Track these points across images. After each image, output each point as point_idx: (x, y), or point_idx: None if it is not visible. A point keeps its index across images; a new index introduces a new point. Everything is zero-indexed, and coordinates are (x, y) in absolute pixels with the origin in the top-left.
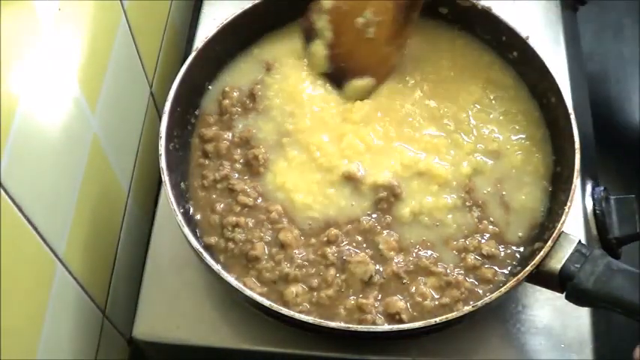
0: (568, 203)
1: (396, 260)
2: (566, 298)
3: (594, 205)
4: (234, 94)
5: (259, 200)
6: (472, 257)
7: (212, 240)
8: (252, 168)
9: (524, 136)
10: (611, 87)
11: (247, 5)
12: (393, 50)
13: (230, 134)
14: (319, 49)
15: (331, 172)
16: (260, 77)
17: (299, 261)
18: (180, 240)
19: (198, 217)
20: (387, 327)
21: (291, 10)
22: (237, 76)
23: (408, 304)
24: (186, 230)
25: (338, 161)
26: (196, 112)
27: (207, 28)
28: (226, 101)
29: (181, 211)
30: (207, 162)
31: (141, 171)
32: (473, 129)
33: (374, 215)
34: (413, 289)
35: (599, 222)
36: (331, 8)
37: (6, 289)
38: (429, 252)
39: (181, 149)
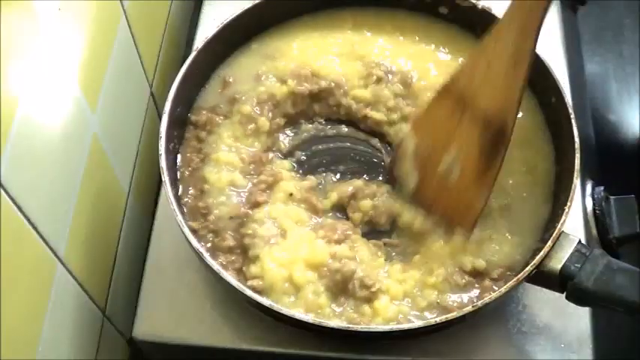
0: (568, 203)
1: None
2: (567, 298)
3: (594, 205)
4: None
5: None
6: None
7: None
8: None
9: None
10: (611, 87)
11: (247, 5)
12: (478, 193)
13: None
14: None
15: None
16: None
17: None
18: (181, 240)
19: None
20: (387, 327)
21: (292, 10)
22: (238, 75)
23: None
24: (186, 230)
25: None
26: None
27: (207, 28)
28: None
29: (181, 210)
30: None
31: (141, 171)
32: None
33: None
34: None
35: (599, 222)
36: (415, 150)
37: (6, 289)
38: None
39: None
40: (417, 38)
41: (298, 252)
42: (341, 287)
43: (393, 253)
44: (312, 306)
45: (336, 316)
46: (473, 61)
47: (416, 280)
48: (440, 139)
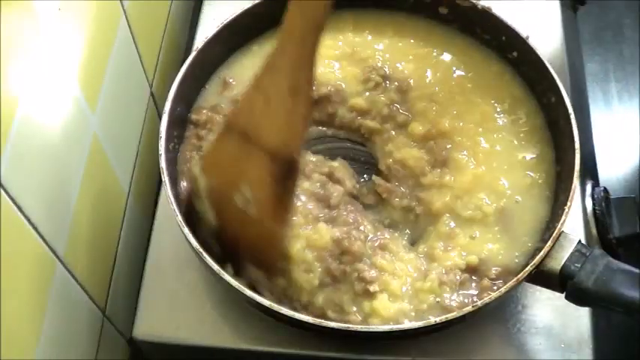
0: (568, 203)
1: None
2: (567, 298)
3: (594, 205)
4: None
5: None
6: None
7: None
8: None
9: None
10: (611, 87)
11: (247, 5)
12: (277, 226)
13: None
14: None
15: None
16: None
17: None
18: (181, 240)
19: None
20: (387, 327)
21: None
22: (239, 76)
23: None
24: (186, 230)
25: None
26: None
27: (207, 28)
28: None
29: (181, 210)
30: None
31: (141, 171)
32: None
33: None
34: None
35: (599, 222)
36: (207, 189)
37: (6, 289)
38: None
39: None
40: (414, 41)
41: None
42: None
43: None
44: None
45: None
46: (250, 97)
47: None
48: (230, 176)
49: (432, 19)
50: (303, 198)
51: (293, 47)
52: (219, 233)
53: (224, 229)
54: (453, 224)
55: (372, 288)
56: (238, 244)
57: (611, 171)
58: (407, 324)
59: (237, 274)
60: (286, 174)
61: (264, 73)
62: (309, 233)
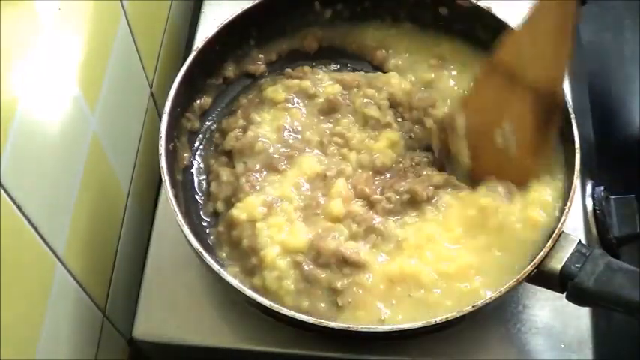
0: (568, 203)
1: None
2: (567, 297)
3: (594, 205)
4: None
5: None
6: None
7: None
8: None
9: None
10: (611, 87)
11: (247, 5)
12: (536, 161)
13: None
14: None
15: None
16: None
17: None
18: (180, 240)
19: None
20: (387, 327)
21: (292, 10)
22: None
23: None
24: (186, 230)
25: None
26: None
27: (207, 28)
28: None
29: (181, 210)
30: None
31: (141, 171)
32: None
33: None
34: None
35: (599, 222)
36: (466, 131)
37: (6, 289)
38: None
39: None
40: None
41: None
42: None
43: None
44: None
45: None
46: (516, 36)
47: None
48: (491, 115)
49: (432, 18)
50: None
51: None
52: (472, 172)
53: (478, 167)
54: None
55: (340, 302)
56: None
57: (611, 171)
58: (407, 324)
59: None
60: (549, 111)
61: (532, 14)
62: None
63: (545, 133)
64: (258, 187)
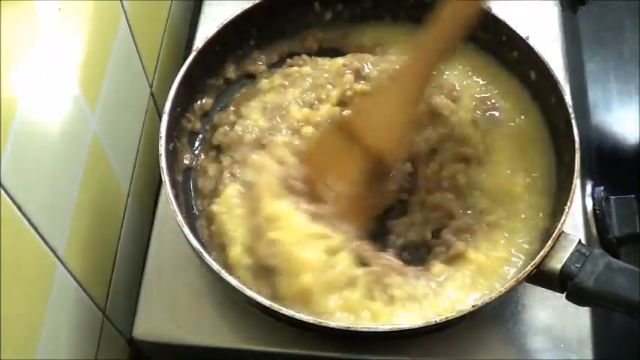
0: (568, 203)
1: None
2: (567, 298)
3: (594, 205)
4: None
5: None
6: None
7: None
8: None
9: None
10: (611, 87)
11: (247, 5)
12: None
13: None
14: None
15: None
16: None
17: None
18: (180, 240)
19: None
20: (387, 327)
21: (292, 11)
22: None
23: None
24: (186, 230)
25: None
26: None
27: (207, 28)
28: None
29: (181, 210)
30: None
31: (141, 171)
32: None
33: None
34: None
35: (599, 222)
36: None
37: (6, 289)
38: None
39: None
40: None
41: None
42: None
43: None
44: None
45: None
46: (366, 98)
47: None
48: (324, 166)
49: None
50: None
51: (419, 63)
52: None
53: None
54: None
55: None
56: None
57: (611, 171)
58: (407, 324)
59: None
60: (376, 177)
61: (388, 80)
62: None
63: (367, 195)
64: (238, 176)
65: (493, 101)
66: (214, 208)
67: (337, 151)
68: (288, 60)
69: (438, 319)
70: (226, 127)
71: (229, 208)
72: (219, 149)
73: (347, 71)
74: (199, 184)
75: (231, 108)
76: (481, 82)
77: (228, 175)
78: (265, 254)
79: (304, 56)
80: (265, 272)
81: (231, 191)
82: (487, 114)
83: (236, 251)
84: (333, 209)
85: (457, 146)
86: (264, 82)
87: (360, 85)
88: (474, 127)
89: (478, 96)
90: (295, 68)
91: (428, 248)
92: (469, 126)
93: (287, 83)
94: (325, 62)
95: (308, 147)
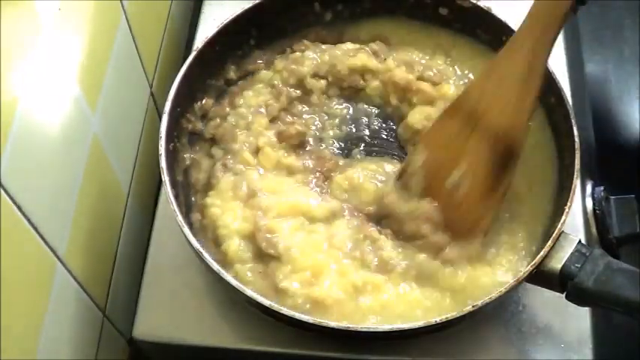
0: (568, 203)
1: None
2: (567, 298)
3: (594, 205)
4: None
5: None
6: None
7: None
8: None
9: None
10: (611, 87)
11: (247, 5)
12: (486, 210)
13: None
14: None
15: None
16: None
17: None
18: (180, 240)
19: None
20: (387, 327)
21: (292, 10)
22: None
23: None
24: (186, 230)
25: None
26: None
27: (207, 28)
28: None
29: (181, 210)
30: None
31: (141, 171)
32: None
33: None
34: None
35: (599, 222)
36: (423, 164)
37: (6, 289)
38: None
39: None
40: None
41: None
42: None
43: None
44: None
45: None
46: (484, 78)
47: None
48: (449, 153)
49: (432, 18)
50: None
51: (534, 34)
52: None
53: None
54: None
55: None
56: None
57: (611, 171)
58: (407, 324)
59: None
60: (506, 159)
61: (501, 57)
62: None
63: (496, 185)
64: (230, 167)
65: None
66: (208, 201)
67: (460, 137)
68: (289, 49)
69: (438, 319)
70: (218, 119)
71: (223, 200)
72: (212, 141)
73: (365, 48)
74: (192, 179)
75: (227, 100)
76: None
77: (221, 166)
78: (266, 244)
79: (306, 42)
80: (265, 260)
81: (225, 184)
82: None
83: (234, 245)
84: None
85: None
86: (263, 73)
87: (376, 63)
88: None
89: None
90: (298, 54)
91: None
92: None
93: (294, 67)
94: (327, 48)
95: (431, 130)
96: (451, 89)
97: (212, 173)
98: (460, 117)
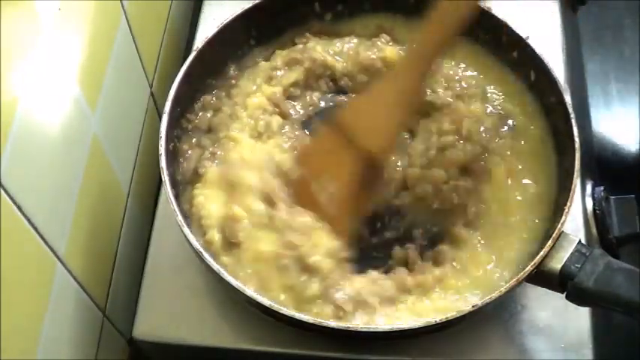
0: (568, 203)
1: None
2: (567, 298)
3: (594, 205)
4: None
5: None
6: None
7: None
8: None
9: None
10: (611, 87)
11: (247, 5)
12: (343, 219)
13: None
14: None
15: None
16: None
17: None
18: (180, 240)
19: None
20: (387, 327)
21: (292, 10)
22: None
23: None
24: (186, 230)
25: None
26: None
27: (207, 28)
28: None
29: (181, 210)
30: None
31: (141, 171)
32: None
33: None
34: None
35: (599, 222)
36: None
37: (6, 289)
38: None
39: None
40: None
41: None
42: None
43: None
44: None
45: None
46: (360, 98)
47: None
48: (318, 166)
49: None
50: None
51: (406, 65)
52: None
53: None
54: None
55: None
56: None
57: (611, 171)
58: (407, 324)
59: None
60: (369, 178)
61: (383, 79)
62: None
63: (361, 196)
64: (219, 155)
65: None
66: (195, 191)
67: (332, 152)
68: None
69: (437, 319)
70: (212, 110)
71: (209, 191)
72: (205, 131)
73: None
74: (182, 169)
75: (224, 93)
76: None
77: (209, 155)
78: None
79: (308, 34)
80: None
81: (211, 175)
82: None
83: (214, 236)
84: (319, 210)
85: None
86: (262, 64)
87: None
88: None
89: None
90: (300, 46)
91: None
92: None
93: (299, 57)
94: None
95: (303, 148)
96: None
97: (200, 162)
98: (334, 134)
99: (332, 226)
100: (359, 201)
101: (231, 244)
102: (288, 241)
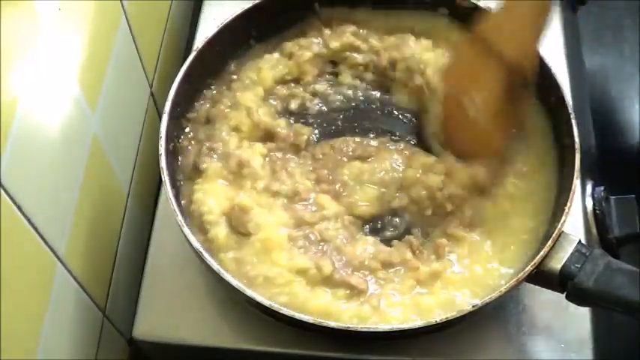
0: (568, 203)
1: None
2: (567, 298)
3: (594, 205)
4: None
5: None
6: None
7: None
8: None
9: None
10: (611, 87)
11: (247, 5)
12: (500, 135)
13: None
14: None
15: None
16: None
17: None
18: (180, 240)
19: None
20: (387, 327)
21: (292, 10)
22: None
23: None
24: (186, 230)
25: None
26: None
27: (207, 28)
28: None
29: (181, 210)
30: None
31: (141, 171)
32: None
33: None
34: None
35: (599, 222)
36: (443, 98)
37: (6, 290)
38: None
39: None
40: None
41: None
42: None
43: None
44: None
45: None
46: (496, 17)
47: None
48: (465, 84)
49: (432, 18)
50: None
51: None
52: (445, 142)
53: (448, 132)
54: None
55: None
56: (455, 143)
57: (611, 171)
58: (407, 324)
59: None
60: (517, 88)
61: None
62: None
63: (513, 107)
64: (219, 151)
65: None
66: (195, 187)
67: (476, 66)
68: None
69: (438, 319)
70: (209, 103)
71: (208, 185)
72: (204, 122)
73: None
74: (180, 163)
75: (224, 87)
76: None
77: (207, 150)
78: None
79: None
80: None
81: (212, 170)
82: None
83: (222, 233)
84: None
85: None
86: (265, 57)
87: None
88: None
89: None
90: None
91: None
92: None
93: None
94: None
95: (447, 66)
96: None
97: (199, 157)
98: (475, 49)
99: (486, 145)
100: (507, 116)
101: (237, 237)
102: (299, 217)
